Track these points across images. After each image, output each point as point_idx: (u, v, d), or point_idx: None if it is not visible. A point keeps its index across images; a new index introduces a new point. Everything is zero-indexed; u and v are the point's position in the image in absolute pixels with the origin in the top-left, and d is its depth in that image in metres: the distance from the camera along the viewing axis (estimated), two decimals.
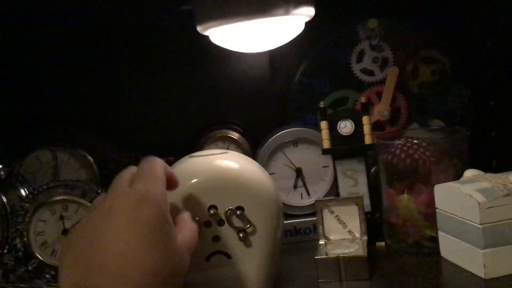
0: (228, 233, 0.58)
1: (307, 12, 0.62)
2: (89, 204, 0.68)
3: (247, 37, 0.63)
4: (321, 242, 0.70)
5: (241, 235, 0.57)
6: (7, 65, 0.84)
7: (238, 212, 0.57)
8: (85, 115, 0.86)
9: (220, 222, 0.58)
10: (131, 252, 0.41)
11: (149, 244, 0.42)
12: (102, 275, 0.40)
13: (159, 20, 0.85)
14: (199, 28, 0.64)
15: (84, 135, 0.84)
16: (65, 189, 0.70)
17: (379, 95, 0.83)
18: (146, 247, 0.41)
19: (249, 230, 0.58)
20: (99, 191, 0.71)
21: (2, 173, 0.74)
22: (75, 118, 0.86)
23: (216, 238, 0.58)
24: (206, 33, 0.64)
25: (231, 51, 0.71)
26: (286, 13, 0.59)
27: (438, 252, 0.66)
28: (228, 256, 0.58)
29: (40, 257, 0.69)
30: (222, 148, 0.84)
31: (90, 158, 0.81)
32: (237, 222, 0.57)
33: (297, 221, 0.79)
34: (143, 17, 0.84)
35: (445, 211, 0.64)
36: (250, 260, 0.58)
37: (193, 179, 0.58)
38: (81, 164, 0.81)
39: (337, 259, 0.64)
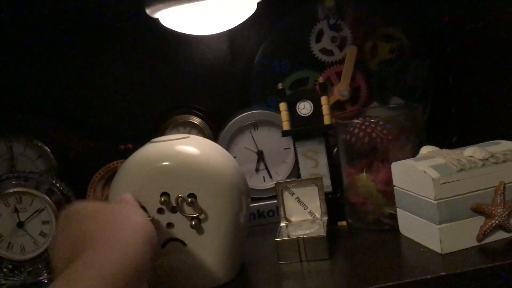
0: (181, 220, 0.57)
1: None
2: (44, 195, 0.67)
3: (196, 18, 0.61)
4: (282, 224, 0.70)
5: (193, 222, 0.56)
6: None
7: (189, 200, 0.56)
8: (40, 103, 0.84)
9: (173, 209, 0.57)
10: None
11: None
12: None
13: (114, 3, 0.83)
14: (148, 11, 0.62)
15: (40, 124, 0.82)
16: (18, 180, 0.68)
17: (338, 74, 0.83)
18: None
19: (201, 217, 0.57)
20: (54, 181, 0.69)
21: None
22: (30, 107, 0.83)
23: (170, 225, 0.57)
24: (155, 15, 0.62)
25: (191, 34, 0.70)
26: None
27: (398, 228, 0.67)
28: (184, 243, 0.57)
29: None
30: (183, 133, 0.83)
31: (46, 148, 0.79)
32: (189, 210, 0.56)
33: (260, 204, 0.79)
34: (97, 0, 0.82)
35: (402, 188, 0.64)
36: (206, 247, 0.57)
37: (146, 165, 0.57)
38: (38, 154, 0.79)
39: (296, 240, 0.64)
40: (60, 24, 0.83)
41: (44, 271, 0.68)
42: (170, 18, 0.62)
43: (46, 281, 0.67)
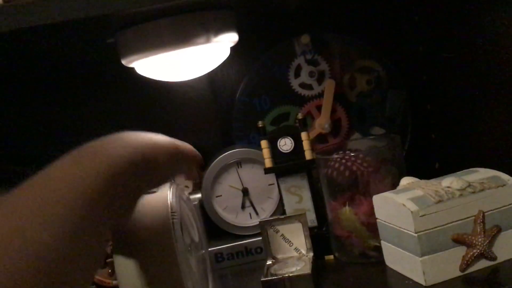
0: None
1: (229, 38, 0.63)
2: None
3: (171, 67, 0.63)
4: (269, 262, 0.70)
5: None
6: None
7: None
8: (21, 153, 0.85)
9: None
10: None
11: None
12: None
13: (92, 52, 0.84)
14: (123, 61, 0.63)
15: (20, 173, 0.82)
16: None
17: (319, 108, 0.84)
18: None
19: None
20: None
21: None
22: (12, 157, 0.84)
23: None
24: (131, 65, 0.64)
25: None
26: (207, 41, 0.60)
27: (383, 261, 0.67)
28: None
29: None
30: None
31: None
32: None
33: (247, 242, 0.79)
34: (73, 50, 0.83)
35: (384, 221, 0.65)
36: None
37: None
38: None
39: (282, 279, 0.64)
40: (38, 74, 0.84)
41: None
42: (145, 67, 0.64)
43: None
